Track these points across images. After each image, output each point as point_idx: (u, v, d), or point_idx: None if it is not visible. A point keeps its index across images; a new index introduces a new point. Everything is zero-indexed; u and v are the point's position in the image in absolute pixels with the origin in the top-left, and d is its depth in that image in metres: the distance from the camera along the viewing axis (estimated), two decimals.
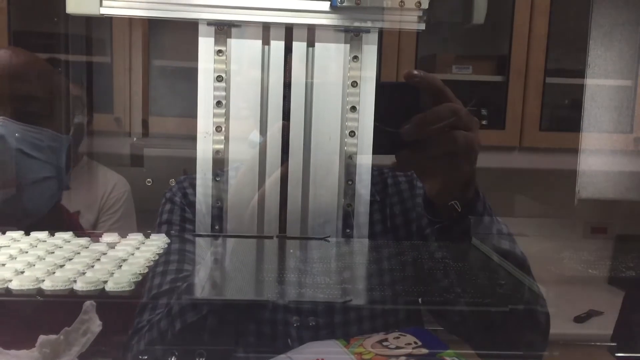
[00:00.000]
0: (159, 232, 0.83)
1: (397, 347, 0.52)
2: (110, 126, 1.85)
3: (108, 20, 0.65)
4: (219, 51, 0.67)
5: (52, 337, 0.45)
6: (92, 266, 0.54)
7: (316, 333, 0.79)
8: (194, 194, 0.70)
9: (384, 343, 0.52)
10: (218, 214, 0.69)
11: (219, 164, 0.68)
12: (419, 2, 0.64)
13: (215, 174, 0.68)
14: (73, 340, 0.45)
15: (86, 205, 1.58)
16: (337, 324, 0.80)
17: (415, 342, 0.53)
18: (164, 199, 0.86)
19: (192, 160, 0.69)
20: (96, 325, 0.46)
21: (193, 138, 0.68)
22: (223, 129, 0.68)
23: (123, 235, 0.66)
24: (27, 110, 0.83)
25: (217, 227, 0.69)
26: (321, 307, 0.79)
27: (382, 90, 0.68)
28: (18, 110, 0.82)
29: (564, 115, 2.12)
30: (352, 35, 0.67)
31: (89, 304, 0.46)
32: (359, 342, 0.53)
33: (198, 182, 0.69)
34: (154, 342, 0.72)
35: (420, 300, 0.54)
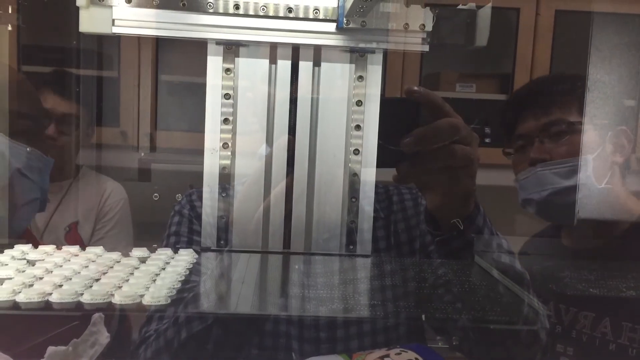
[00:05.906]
0: (167, 243, 0.84)
1: None
2: (117, 140, 1.86)
3: (117, 36, 0.66)
4: (227, 69, 0.68)
5: (61, 348, 0.46)
6: (127, 280, 0.54)
7: (321, 347, 0.79)
8: (202, 207, 0.71)
9: (386, 359, 0.53)
10: (224, 228, 0.70)
11: (225, 179, 0.69)
12: (423, 25, 0.65)
13: (221, 190, 0.69)
14: (82, 352, 0.46)
15: (84, 215, 1.53)
16: (340, 339, 0.80)
17: (417, 359, 0.53)
18: (172, 211, 0.87)
19: (199, 175, 0.70)
20: (104, 337, 0.47)
21: (200, 153, 0.69)
22: (230, 145, 0.69)
23: (152, 250, 0.67)
24: (15, 129, 0.80)
25: (222, 242, 0.70)
26: (324, 321, 0.79)
27: (385, 105, 0.69)
28: (6, 127, 0.78)
29: None
30: (358, 56, 0.69)
31: (97, 316, 0.47)
32: (361, 358, 0.54)
33: (204, 197, 0.70)
34: (160, 350, 0.73)
35: (423, 316, 0.55)
